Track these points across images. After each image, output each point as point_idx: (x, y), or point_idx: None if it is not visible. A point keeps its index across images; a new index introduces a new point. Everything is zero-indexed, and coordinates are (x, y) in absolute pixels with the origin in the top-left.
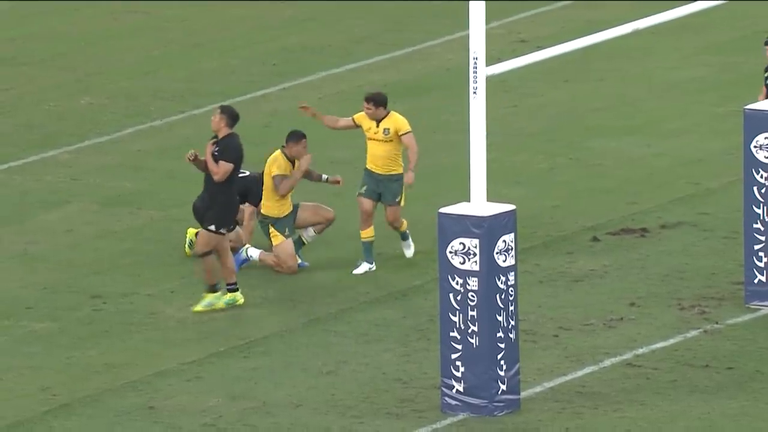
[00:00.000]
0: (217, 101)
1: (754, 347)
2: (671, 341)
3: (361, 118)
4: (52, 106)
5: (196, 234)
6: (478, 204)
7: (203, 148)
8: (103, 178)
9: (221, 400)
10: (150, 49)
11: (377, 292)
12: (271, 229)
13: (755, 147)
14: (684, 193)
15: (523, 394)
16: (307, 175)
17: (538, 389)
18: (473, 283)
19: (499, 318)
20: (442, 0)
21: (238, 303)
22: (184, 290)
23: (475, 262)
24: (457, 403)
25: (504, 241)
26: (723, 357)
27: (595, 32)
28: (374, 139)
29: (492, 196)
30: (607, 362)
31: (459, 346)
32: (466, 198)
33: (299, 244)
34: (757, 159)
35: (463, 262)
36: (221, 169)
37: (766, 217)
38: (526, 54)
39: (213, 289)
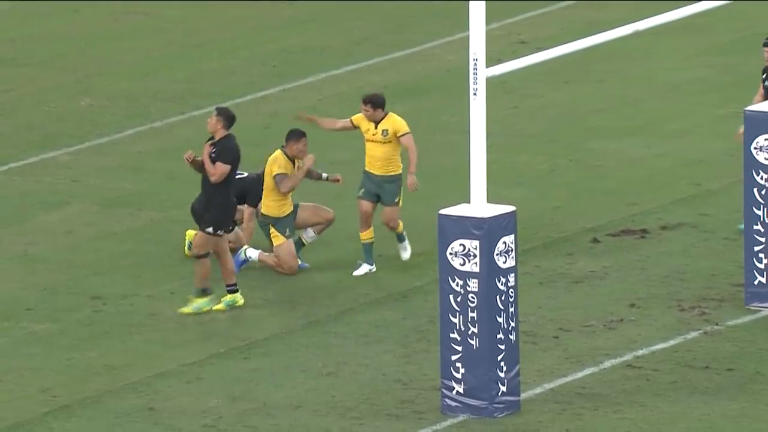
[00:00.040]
0: (217, 102)
1: (754, 349)
2: (671, 342)
3: (359, 119)
4: (52, 107)
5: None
6: (479, 205)
7: (203, 149)
8: (103, 180)
9: (221, 401)
10: (150, 51)
11: (377, 294)
12: (272, 230)
13: (755, 148)
14: (685, 194)
15: (523, 395)
16: (308, 173)
17: (538, 390)
18: (473, 285)
19: (500, 319)
20: (442, 0)
21: (238, 304)
22: (184, 291)
23: (476, 263)
24: (457, 404)
25: (504, 242)
26: (723, 358)
27: (596, 33)
28: (373, 141)
29: (492, 198)
30: (607, 363)
31: (459, 348)
32: (467, 199)
33: (299, 245)
34: (757, 160)
35: (464, 264)
36: (218, 171)
37: (766, 219)
38: (527, 55)
39: (202, 293)
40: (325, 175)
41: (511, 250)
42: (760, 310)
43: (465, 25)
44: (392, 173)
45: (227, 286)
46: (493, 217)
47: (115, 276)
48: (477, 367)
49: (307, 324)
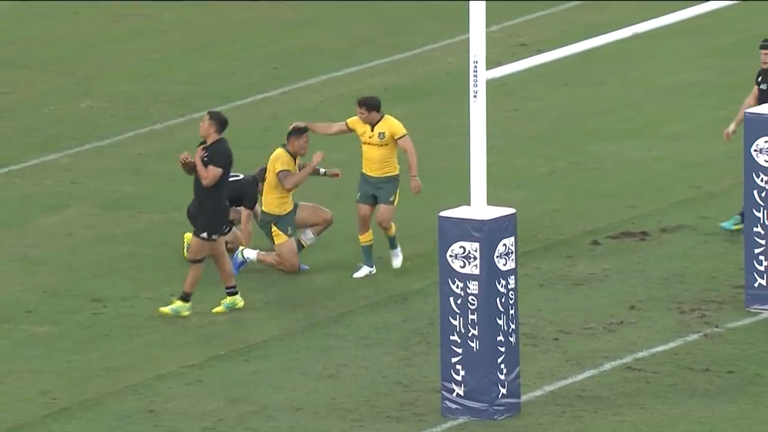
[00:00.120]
0: (217, 104)
1: (755, 351)
2: (671, 345)
3: (355, 122)
4: (52, 109)
5: None
6: (479, 207)
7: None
8: (104, 182)
9: (221, 403)
10: (150, 52)
11: (377, 296)
12: (274, 228)
13: (755, 151)
14: (684, 196)
15: (524, 397)
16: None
17: (538, 393)
18: (473, 287)
19: (500, 321)
20: (442, 0)
21: (237, 306)
22: None
23: (476, 265)
24: (458, 406)
25: (504, 244)
26: (723, 361)
27: (595, 36)
28: (369, 144)
29: (492, 200)
30: (608, 366)
31: (459, 350)
32: (467, 201)
33: (298, 247)
34: (757, 163)
35: (464, 266)
36: (210, 174)
37: (766, 221)
38: (527, 57)
39: (185, 297)
40: (323, 170)
41: (511, 253)
42: (760, 313)
43: (465, 28)
44: (389, 174)
45: (227, 288)
46: (493, 219)
47: (115, 278)
48: (477, 370)
49: (307, 326)
